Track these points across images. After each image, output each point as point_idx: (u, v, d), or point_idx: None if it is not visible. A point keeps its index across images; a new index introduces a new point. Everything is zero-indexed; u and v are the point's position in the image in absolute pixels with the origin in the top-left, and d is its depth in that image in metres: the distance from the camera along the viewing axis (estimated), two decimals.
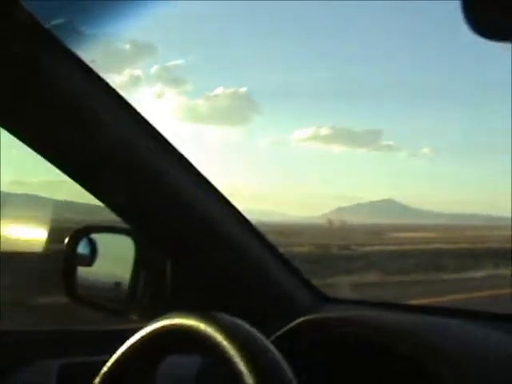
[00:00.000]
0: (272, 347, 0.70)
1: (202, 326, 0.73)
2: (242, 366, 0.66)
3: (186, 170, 1.15)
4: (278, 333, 0.98)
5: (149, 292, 1.30)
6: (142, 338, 0.82)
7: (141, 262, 1.31)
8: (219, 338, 0.70)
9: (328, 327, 0.96)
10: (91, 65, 1.02)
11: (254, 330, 0.72)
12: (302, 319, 0.97)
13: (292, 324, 0.97)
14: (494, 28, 0.45)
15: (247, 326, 0.73)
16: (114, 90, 1.05)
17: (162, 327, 0.80)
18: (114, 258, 1.42)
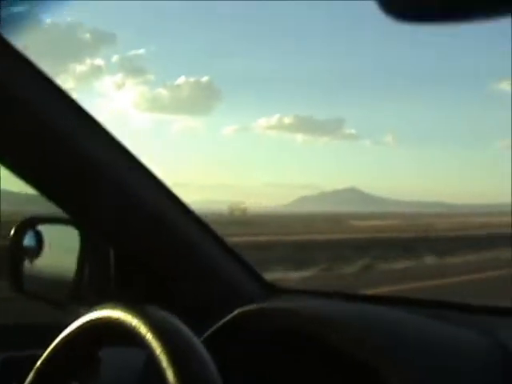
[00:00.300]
0: (196, 341, 0.70)
1: (128, 318, 0.73)
2: (163, 359, 0.66)
3: (126, 159, 1.14)
4: (217, 325, 0.98)
5: (94, 283, 1.29)
6: (73, 332, 0.82)
7: (86, 253, 1.30)
8: (144, 330, 0.70)
9: (264, 318, 0.96)
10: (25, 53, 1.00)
11: (179, 324, 0.72)
12: (237, 311, 0.97)
13: (229, 316, 0.97)
14: (407, 10, 0.46)
15: (173, 319, 0.73)
16: (49, 80, 1.04)
17: (91, 321, 0.80)
18: (61, 249, 1.41)
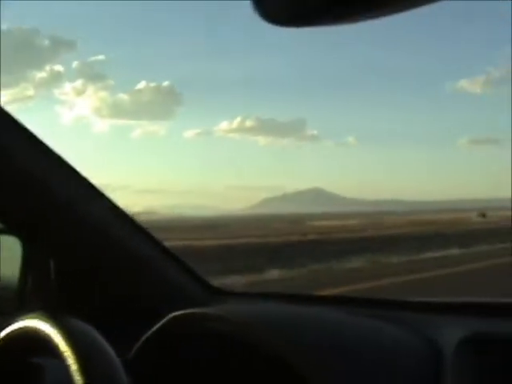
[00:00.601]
0: (107, 350, 0.72)
1: (43, 328, 0.75)
2: (74, 368, 0.68)
3: (63, 169, 1.14)
4: (151, 330, 0.99)
5: (36, 292, 1.29)
6: None
7: (28, 263, 1.30)
8: (57, 340, 0.72)
9: (195, 323, 0.97)
10: None
11: (92, 333, 0.74)
12: (170, 316, 0.97)
13: (161, 322, 0.98)
14: (281, 13, 0.44)
15: (87, 329, 0.75)
16: None
17: (13, 331, 0.82)
18: (4, 258, 1.40)
